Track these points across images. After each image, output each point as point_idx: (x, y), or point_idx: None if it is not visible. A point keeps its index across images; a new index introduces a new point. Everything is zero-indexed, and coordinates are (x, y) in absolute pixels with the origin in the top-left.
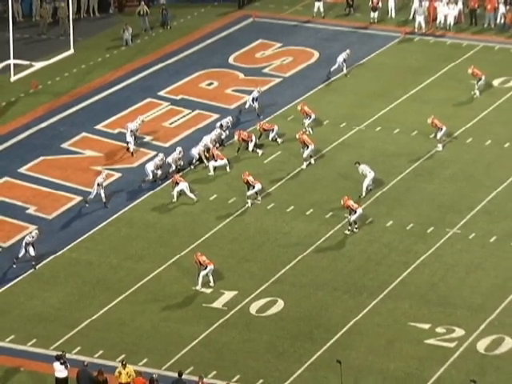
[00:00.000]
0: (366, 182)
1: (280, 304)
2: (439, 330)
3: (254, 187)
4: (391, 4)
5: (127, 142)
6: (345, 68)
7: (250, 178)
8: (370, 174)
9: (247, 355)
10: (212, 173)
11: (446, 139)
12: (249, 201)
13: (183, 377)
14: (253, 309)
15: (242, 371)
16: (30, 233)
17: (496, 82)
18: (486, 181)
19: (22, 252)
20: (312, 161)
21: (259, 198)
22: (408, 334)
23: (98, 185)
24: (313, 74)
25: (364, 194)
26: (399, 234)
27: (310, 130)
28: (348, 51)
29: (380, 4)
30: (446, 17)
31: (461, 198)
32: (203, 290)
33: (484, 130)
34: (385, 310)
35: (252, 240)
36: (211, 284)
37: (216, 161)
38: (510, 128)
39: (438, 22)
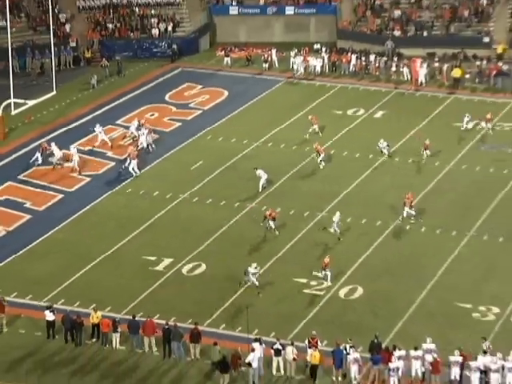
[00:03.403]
0: (262, 182)
1: (203, 267)
2: (313, 283)
3: (274, 220)
4: (275, 58)
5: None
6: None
7: (273, 214)
8: (264, 176)
9: (180, 302)
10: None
11: (319, 157)
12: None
13: (136, 318)
14: (184, 270)
15: (178, 314)
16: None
17: (349, 112)
18: (345, 180)
19: None
20: (323, 163)
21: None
22: (293, 288)
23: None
24: (224, 107)
25: (260, 189)
26: (285, 217)
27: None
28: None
29: (269, 58)
30: (314, 66)
31: (326, 192)
32: (148, 257)
33: (342, 145)
34: (276, 271)
35: (183, 224)
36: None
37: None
38: (359, 142)
39: (310, 69)
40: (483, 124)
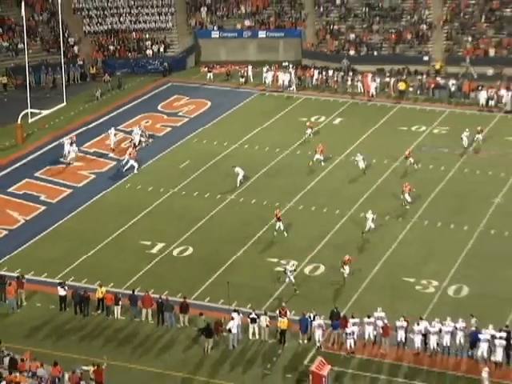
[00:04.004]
0: (239, 178)
1: (190, 249)
2: (282, 262)
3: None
4: (250, 73)
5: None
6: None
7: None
8: (242, 173)
9: (171, 280)
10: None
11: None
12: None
13: (135, 293)
14: (174, 253)
15: (169, 289)
16: None
17: (313, 119)
18: (309, 176)
19: None
20: (322, 163)
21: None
22: (266, 266)
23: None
24: (207, 115)
25: (238, 184)
26: (259, 207)
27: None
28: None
29: (245, 73)
30: (283, 81)
31: (292, 187)
32: (144, 242)
33: (306, 146)
34: (251, 253)
35: (174, 213)
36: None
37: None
38: (321, 144)
39: (279, 83)
40: (478, 136)
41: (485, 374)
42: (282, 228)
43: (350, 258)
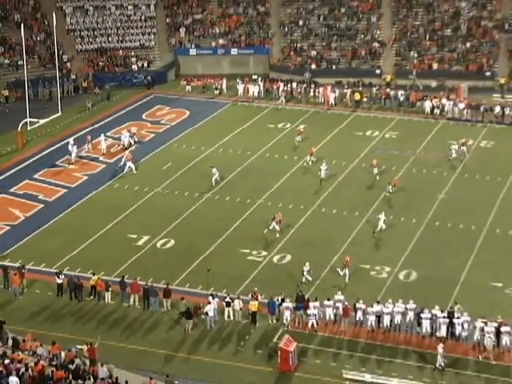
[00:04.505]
0: (215, 177)
1: (172, 242)
2: (254, 252)
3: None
4: (224, 86)
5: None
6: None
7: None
8: (217, 173)
9: (156, 268)
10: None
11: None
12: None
13: (124, 279)
14: (158, 245)
15: (153, 277)
16: None
17: (279, 125)
18: (277, 176)
19: None
20: (310, 163)
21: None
22: (239, 256)
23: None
24: (186, 123)
25: (214, 184)
26: (232, 204)
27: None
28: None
29: (219, 86)
30: (253, 92)
31: (262, 185)
32: (131, 235)
33: (274, 149)
34: (226, 244)
35: (158, 210)
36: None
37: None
38: (286, 147)
39: (250, 94)
40: (462, 148)
41: (440, 349)
42: (277, 229)
43: (349, 260)
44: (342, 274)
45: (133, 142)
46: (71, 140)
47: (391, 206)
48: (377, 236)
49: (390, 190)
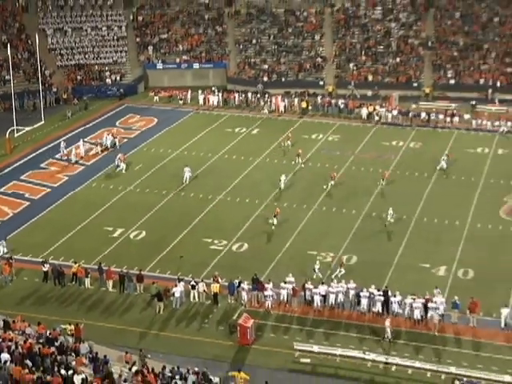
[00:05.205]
0: (186, 175)
1: (143, 233)
2: (215, 241)
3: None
4: (188, 96)
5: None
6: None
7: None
8: (189, 172)
9: (130, 256)
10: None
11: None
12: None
13: (102, 266)
14: (131, 236)
15: (128, 264)
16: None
17: (236, 130)
18: (234, 175)
19: None
20: (303, 165)
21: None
22: (202, 245)
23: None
24: (155, 129)
25: (188, 182)
26: (196, 199)
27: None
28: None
29: (183, 96)
30: (213, 102)
31: (221, 183)
32: (107, 228)
33: (232, 151)
34: (191, 235)
35: (131, 206)
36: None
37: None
38: (242, 149)
39: (210, 103)
40: (444, 157)
41: (387, 322)
42: (274, 223)
43: (343, 260)
44: (337, 273)
45: (117, 143)
46: (62, 143)
47: (333, 198)
48: (388, 227)
49: (383, 184)
